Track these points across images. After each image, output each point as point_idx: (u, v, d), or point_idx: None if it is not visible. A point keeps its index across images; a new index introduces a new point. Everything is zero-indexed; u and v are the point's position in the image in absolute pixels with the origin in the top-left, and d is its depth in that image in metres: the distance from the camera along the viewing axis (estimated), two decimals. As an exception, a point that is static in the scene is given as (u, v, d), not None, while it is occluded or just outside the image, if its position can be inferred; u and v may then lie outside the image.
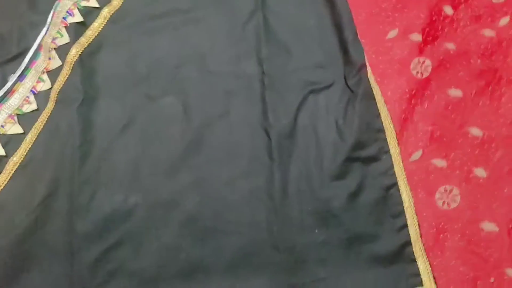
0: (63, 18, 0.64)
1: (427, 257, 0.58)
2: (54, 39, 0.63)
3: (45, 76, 0.63)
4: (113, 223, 0.58)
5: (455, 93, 0.65)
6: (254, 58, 0.66)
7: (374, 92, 0.65)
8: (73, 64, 0.63)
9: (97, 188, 0.59)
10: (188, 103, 0.63)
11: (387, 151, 0.62)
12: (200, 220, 0.58)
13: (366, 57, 0.67)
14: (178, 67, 0.65)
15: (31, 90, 0.62)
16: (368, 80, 0.66)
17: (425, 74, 0.66)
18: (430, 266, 0.57)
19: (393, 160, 0.62)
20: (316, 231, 0.58)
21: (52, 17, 0.64)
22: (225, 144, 0.62)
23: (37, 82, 0.62)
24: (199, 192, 0.59)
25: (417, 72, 0.66)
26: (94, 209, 0.58)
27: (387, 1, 0.69)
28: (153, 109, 0.63)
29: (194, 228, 0.58)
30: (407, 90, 0.65)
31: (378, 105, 0.65)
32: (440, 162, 0.62)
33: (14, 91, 0.61)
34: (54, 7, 0.64)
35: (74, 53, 0.63)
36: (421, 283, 0.56)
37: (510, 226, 0.58)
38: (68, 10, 0.64)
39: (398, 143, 0.63)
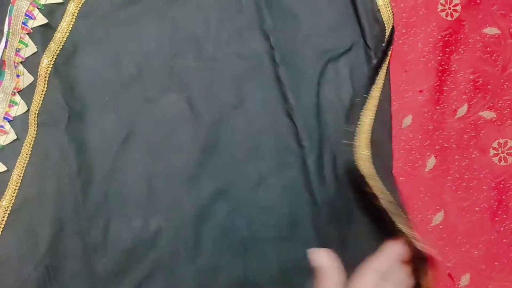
0: (23, 23, 0.52)
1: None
2: (18, 50, 0.52)
3: (17, 98, 0.52)
4: (137, 255, 0.50)
5: (491, 31, 0.57)
6: (258, 31, 0.56)
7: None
8: (48, 77, 0.52)
9: (109, 218, 0.50)
10: (194, 99, 0.53)
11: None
12: (235, 231, 0.51)
13: (379, 5, 0.57)
14: (173, 58, 0.54)
15: (5, 117, 0.51)
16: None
17: (455, 15, 0.57)
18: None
19: (438, 121, 0.54)
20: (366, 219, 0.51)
21: (8, 25, 0.52)
22: (246, 138, 0.53)
23: (10, 106, 0.52)
24: (228, 199, 0.51)
25: (447, 14, 0.57)
26: (111, 243, 0.50)
27: None
28: (155, 113, 0.53)
29: (230, 241, 0.51)
30: (439, 37, 0.56)
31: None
32: (488, 114, 0.55)
33: (-17, 123, 0.51)
34: (8, 12, 0.52)
35: (46, 63, 0.52)
36: None
37: None
38: (27, 13, 0.52)
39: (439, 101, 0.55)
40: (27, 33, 0.52)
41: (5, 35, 0.52)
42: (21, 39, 0.52)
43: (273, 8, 0.56)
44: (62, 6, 0.54)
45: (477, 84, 0.55)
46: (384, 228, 0.50)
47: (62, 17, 0.54)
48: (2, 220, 0.49)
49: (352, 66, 0.55)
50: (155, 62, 0.54)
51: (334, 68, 0.55)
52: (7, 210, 0.49)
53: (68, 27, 0.54)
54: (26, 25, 0.52)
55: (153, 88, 0.54)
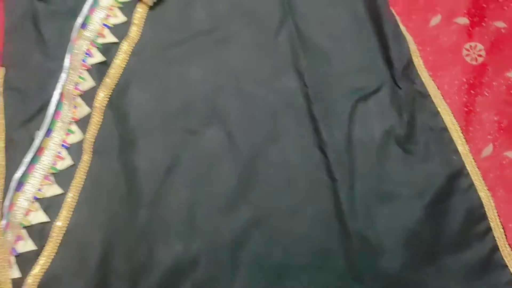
0: (83, 60, 0.58)
1: (518, 260, 0.53)
2: (76, 84, 0.57)
3: (74, 127, 0.57)
4: (178, 277, 0.53)
5: (515, 75, 0.60)
6: (292, 70, 0.60)
7: (428, 88, 0.60)
8: (104, 109, 0.57)
9: (154, 241, 0.54)
10: (233, 132, 0.58)
11: (456, 150, 0.57)
12: (270, 258, 0.54)
13: (412, 50, 0.61)
14: (214, 94, 0.59)
15: (62, 145, 0.56)
16: (419, 76, 0.60)
17: (480, 60, 0.61)
18: (524, 270, 0.53)
19: (464, 159, 0.57)
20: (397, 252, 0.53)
21: (70, 61, 0.57)
22: (281, 171, 0.56)
23: (66, 134, 0.56)
24: (263, 228, 0.55)
25: (471, 59, 0.61)
26: (155, 265, 0.53)
27: (424, -14, 0.64)
28: (197, 144, 0.57)
29: (265, 268, 0.53)
30: (464, 79, 0.60)
31: (435, 102, 0.59)
32: (513, 154, 0.58)
33: (43, 149, 0.55)
34: (69, 49, 0.58)
35: (102, 97, 0.57)
36: None
37: None
38: (86, 51, 0.58)
39: (466, 140, 0.58)
40: (86, 70, 0.58)
41: (66, 70, 0.57)
42: (79, 75, 0.57)
43: (306, 48, 0.61)
44: (117, 45, 0.60)
45: (502, 125, 0.58)
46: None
47: (116, 55, 0.59)
48: (57, 239, 0.53)
49: (381, 105, 0.59)
50: (199, 98, 0.59)
51: (364, 106, 0.59)
52: (61, 230, 0.53)
53: (122, 64, 0.59)
54: (85, 62, 0.58)
55: (196, 121, 0.58)
